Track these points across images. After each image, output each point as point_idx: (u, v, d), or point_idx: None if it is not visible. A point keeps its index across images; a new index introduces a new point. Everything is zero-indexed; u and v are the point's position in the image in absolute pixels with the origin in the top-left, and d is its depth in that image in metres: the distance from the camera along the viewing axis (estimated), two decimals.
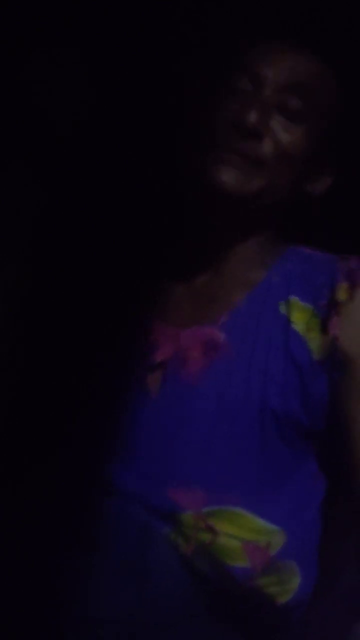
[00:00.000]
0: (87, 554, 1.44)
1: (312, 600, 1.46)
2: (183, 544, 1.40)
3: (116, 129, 1.70)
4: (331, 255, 1.49)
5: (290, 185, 1.46)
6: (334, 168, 1.51)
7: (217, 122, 1.44)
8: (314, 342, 1.42)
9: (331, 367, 1.42)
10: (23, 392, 1.50)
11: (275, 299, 1.45)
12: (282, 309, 1.44)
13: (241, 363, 1.42)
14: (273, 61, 1.45)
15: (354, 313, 1.43)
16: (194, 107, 1.51)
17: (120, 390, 1.45)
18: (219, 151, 1.43)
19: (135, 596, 1.41)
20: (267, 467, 1.41)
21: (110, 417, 1.45)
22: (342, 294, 1.43)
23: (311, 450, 1.45)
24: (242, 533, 1.40)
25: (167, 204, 1.57)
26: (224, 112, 1.44)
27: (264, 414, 1.40)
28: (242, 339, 1.43)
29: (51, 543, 1.45)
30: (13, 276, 1.61)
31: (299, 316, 1.43)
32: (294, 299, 1.44)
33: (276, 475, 1.42)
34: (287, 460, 1.43)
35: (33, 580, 1.45)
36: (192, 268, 1.49)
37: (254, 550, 1.40)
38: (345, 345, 1.42)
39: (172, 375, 1.43)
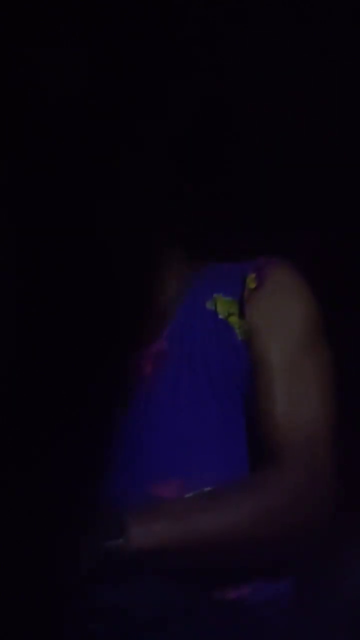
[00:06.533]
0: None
1: (314, 603, 1.50)
2: None
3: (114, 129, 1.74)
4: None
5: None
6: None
7: None
8: (236, 324, 1.63)
9: (252, 345, 1.61)
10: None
11: (202, 300, 1.67)
12: (209, 305, 1.66)
13: (184, 359, 1.63)
14: None
15: (262, 297, 1.64)
16: None
17: (101, 412, 1.64)
18: None
19: (128, 592, 1.49)
20: (227, 437, 1.59)
21: (96, 430, 1.64)
22: (251, 283, 1.64)
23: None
24: None
25: None
26: None
27: (214, 390, 1.60)
28: (181, 340, 1.65)
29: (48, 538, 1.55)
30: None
31: (223, 307, 1.65)
32: (217, 295, 1.66)
33: (234, 442, 1.59)
34: (241, 425, 1.60)
35: (32, 575, 1.57)
36: (132, 297, 1.71)
37: None
38: (256, 320, 1.62)
39: (138, 389, 1.64)
